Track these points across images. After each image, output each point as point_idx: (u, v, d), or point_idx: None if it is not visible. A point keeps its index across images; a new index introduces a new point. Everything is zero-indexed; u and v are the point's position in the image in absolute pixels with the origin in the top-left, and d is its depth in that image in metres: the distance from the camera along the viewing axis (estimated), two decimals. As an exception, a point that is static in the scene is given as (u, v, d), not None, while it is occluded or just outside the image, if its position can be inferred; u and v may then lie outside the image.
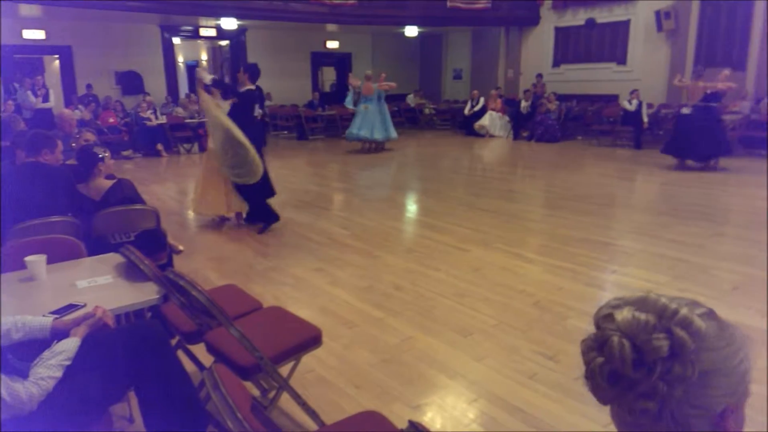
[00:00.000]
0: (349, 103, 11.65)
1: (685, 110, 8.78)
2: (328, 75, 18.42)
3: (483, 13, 14.46)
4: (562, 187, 7.89)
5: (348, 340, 3.24)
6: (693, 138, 8.52)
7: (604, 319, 0.74)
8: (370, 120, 11.07)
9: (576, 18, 14.27)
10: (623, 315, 0.71)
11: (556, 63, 14.88)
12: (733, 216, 6.29)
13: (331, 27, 15.56)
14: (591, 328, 2.62)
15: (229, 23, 12.79)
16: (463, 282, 4.15)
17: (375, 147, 11.49)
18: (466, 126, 14.29)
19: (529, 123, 13.14)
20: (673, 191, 7.51)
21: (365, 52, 17.56)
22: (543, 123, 12.64)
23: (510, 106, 14.15)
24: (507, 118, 13.91)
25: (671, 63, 12.37)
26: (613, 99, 12.81)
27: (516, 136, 13.39)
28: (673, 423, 0.70)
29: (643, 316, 0.70)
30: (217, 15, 12.39)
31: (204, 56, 18.75)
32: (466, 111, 14.45)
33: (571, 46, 14.53)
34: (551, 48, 14.95)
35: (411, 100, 16.66)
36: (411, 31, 15.64)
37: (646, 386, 0.68)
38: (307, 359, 2.65)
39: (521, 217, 6.17)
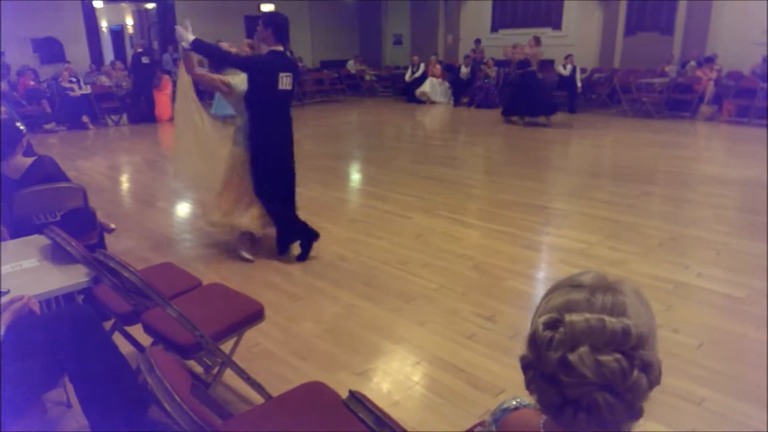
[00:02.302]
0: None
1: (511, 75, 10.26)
2: (265, 41, 17.83)
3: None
4: (499, 152, 8.06)
5: (293, 313, 3.24)
6: (521, 98, 9.91)
7: (560, 362, 0.72)
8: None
9: (513, -18, 14.36)
10: (587, 364, 0.70)
11: (494, 28, 14.98)
12: (659, 176, 6.63)
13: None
14: (526, 289, 2.74)
15: (156, -14, 12.08)
16: (406, 249, 4.22)
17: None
18: (408, 92, 14.25)
19: (469, 89, 13.25)
20: (605, 154, 7.82)
21: (302, 17, 17.04)
22: (483, 89, 12.78)
23: (450, 72, 14.19)
24: (447, 84, 13.96)
25: (604, 28, 12.71)
26: (548, 64, 13.08)
27: (456, 102, 13.50)
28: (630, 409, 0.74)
29: (608, 360, 0.69)
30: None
31: (129, 21, 17.72)
32: (407, 77, 14.39)
33: (509, 12, 14.65)
34: (489, 13, 15.02)
35: (351, 66, 16.41)
36: (350, -6, 15.29)
37: (626, 403, 0.72)
38: (252, 333, 2.64)
39: (462, 183, 6.27)
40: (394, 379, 2.61)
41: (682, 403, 2.36)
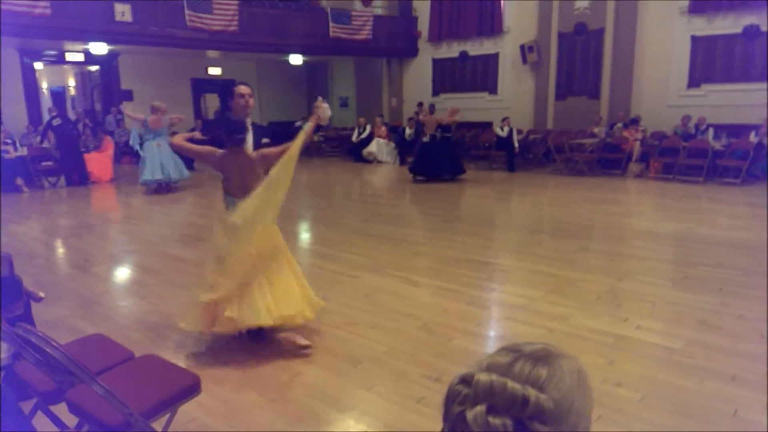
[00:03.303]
0: (134, 142, 10.13)
1: (425, 139, 10.80)
2: (212, 102, 17.89)
3: (364, 44, 14.90)
4: (444, 209, 8.24)
5: (235, 383, 3.09)
6: (435, 160, 10.54)
7: (456, 418, 0.71)
8: (164, 157, 9.78)
9: (450, 50, 15.18)
10: (478, 422, 0.68)
11: (436, 92, 15.66)
12: (595, 231, 6.92)
13: (212, 53, 15.18)
14: (473, 347, 2.74)
15: (99, 48, 12.03)
16: (354, 310, 4.16)
17: (167, 187, 10.12)
18: (355, 152, 14.53)
19: (413, 149, 13.63)
20: (544, 210, 8.13)
21: (250, 78, 17.24)
22: (426, 149, 13.17)
23: (395, 132, 14.62)
24: (393, 145, 14.35)
25: (536, 92, 13.51)
26: (487, 126, 13.69)
27: (402, 162, 13.82)
28: None
29: (496, 422, 0.67)
30: (85, 39, 11.61)
31: (72, 82, 17.44)
32: (354, 138, 14.70)
33: (448, 77, 15.40)
34: (430, 78, 15.74)
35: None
36: (295, 59, 15.71)
37: None
38: (189, 408, 2.49)
39: (409, 241, 6.33)
40: (340, 449, 2.51)
41: (628, 459, 2.37)
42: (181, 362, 3.23)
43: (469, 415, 0.69)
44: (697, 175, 9.87)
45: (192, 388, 2.22)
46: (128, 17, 11.41)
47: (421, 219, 7.97)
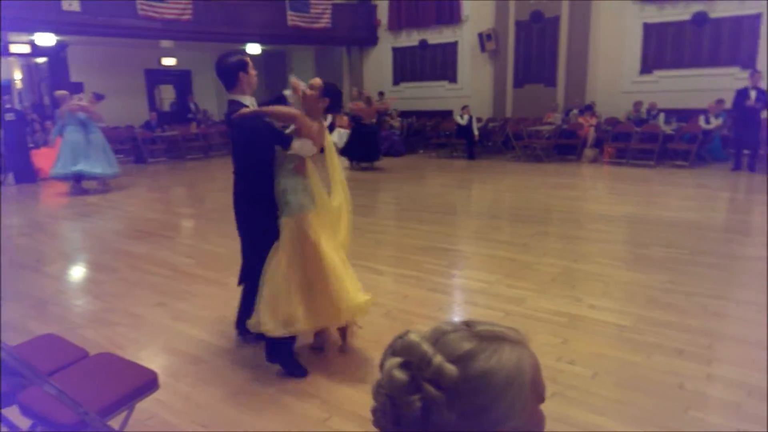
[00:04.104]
0: (56, 134, 9.41)
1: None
2: (167, 93, 17.45)
3: (323, 33, 14.76)
4: (407, 198, 8.30)
5: (194, 378, 3.07)
6: (361, 146, 11.07)
7: (380, 366, 0.74)
8: (93, 149, 9.05)
9: (410, 39, 15.19)
10: (386, 370, 0.72)
11: (396, 81, 15.68)
12: (551, 216, 7.09)
13: (165, 43, 14.77)
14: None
15: (46, 39, 11.55)
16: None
17: (104, 185, 9.54)
18: (316, 143, 14.41)
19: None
20: (503, 197, 8.28)
21: (206, 68, 16.89)
22: (388, 138, 13.19)
23: (356, 122, 14.55)
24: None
25: (495, 81, 13.68)
26: (447, 114, 13.80)
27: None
28: None
29: (399, 375, 0.70)
30: (30, 30, 11.12)
31: (18, 75, 16.69)
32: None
33: (408, 66, 15.43)
34: (390, 67, 15.73)
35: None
36: (253, 48, 15.41)
37: None
38: (148, 405, 2.47)
39: (371, 231, 6.35)
40: (303, 438, 2.53)
41: (580, 433, 2.47)
42: (138, 359, 3.18)
43: (385, 364, 0.73)
44: (649, 158, 10.21)
45: (149, 385, 2.19)
46: (76, 7, 10.98)
47: (382, 208, 8.00)
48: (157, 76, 16.37)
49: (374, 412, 0.74)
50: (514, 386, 0.71)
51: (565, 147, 11.42)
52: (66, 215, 7.94)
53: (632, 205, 7.21)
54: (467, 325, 0.76)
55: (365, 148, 11.06)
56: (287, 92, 3.19)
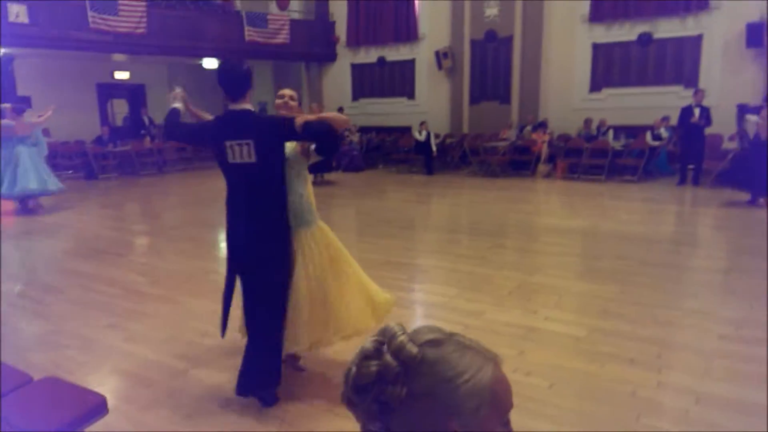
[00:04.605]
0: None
1: None
2: (120, 108, 17.00)
3: (281, 49, 14.74)
4: (368, 213, 8.31)
5: (146, 401, 2.96)
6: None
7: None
8: (36, 166, 8.54)
9: (368, 56, 15.35)
10: (361, 345, 0.78)
11: (355, 97, 15.78)
12: (507, 229, 7.24)
13: (118, 57, 14.43)
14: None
15: (-10, 51, 11.10)
16: (274, 318, 4.10)
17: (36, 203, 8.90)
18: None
19: (335, 154, 13.64)
20: (461, 211, 8.40)
21: (161, 83, 16.60)
22: (348, 154, 13.22)
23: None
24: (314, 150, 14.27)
25: (451, 97, 13.94)
26: (406, 130, 13.96)
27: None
28: None
29: (367, 345, 0.76)
30: (-28, 41, 10.66)
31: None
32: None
33: (367, 82, 15.57)
34: (349, 83, 15.82)
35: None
36: (209, 63, 15.24)
37: (364, 408, 0.75)
38: (98, 429, 2.36)
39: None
40: (260, 459, 2.47)
41: (538, 444, 2.51)
42: (87, 383, 3.05)
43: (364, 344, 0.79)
44: (599, 173, 10.58)
45: (97, 409, 2.10)
46: (24, 18, 10.62)
47: (343, 223, 7.99)
48: (109, 90, 15.94)
49: (343, 393, 0.78)
50: (468, 385, 0.74)
51: (519, 162, 11.70)
52: (12, 235, 7.58)
53: (584, 218, 7.44)
54: (451, 333, 0.80)
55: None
56: (178, 105, 3.04)
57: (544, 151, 11.37)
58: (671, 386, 3.03)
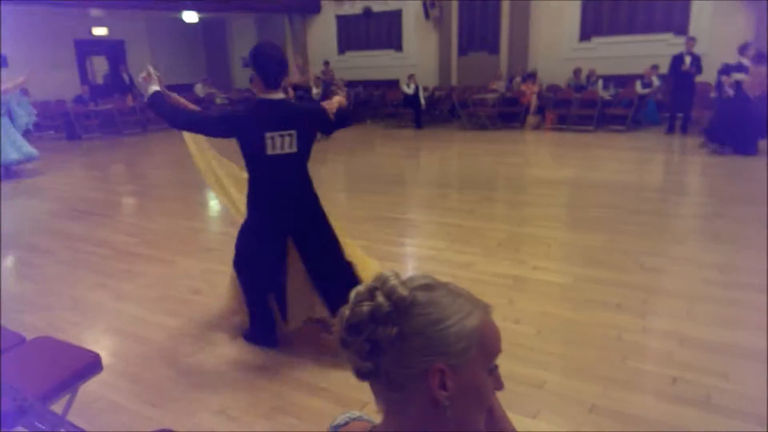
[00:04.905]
0: None
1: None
2: (100, 65, 16.51)
3: (263, 1, 14.27)
4: (356, 169, 8.27)
5: (142, 358, 3.00)
6: None
7: None
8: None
9: (354, 7, 14.90)
10: (357, 288, 0.80)
11: (341, 50, 15.40)
12: (496, 182, 7.25)
13: (96, 11, 13.91)
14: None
15: (-42, 7, 10.64)
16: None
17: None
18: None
19: (321, 109, 13.44)
20: (450, 165, 8.38)
21: (140, 39, 16.09)
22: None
23: (304, 92, 14.28)
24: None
25: (440, 49, 13.66)
26: (394, 84, 13.73)
27: (310, 123, 13.61)
28: (389, 382, 0.77)
29: (361, 288, 0.79)
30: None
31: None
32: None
33: (353, 34, 15.17)
34: (335, 36, 15.41)
35: (199, 89, 15.80)
36: (189, 16, 14.73)
37: (356, 347, 0.77)
38: (93, 387, 2.40)
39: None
40: (256, 412, 2.53)
41: (526, 388, 2.58)
42: (81, 342, 3.08)
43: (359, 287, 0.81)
44: (589, 124, 10.54)
45: (92, 367, 2.13)
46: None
47: (331, 180, 7.94)
48: (88, 47, 15.42)
49: (338, 334, 0.80)
50: (457, 327, 0.76)
51: (509, 114, 11.61)
52: (-6, 197, 7.48)
53: (573, 169, 7.45)
54: (443, 282, 0.82)
55: None
56: (158, 88, 2.83)
57: (534, 102, 11.27)
58: (656, 330, 3.12)
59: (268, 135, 2.64)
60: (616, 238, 4.54)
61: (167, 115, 2.78)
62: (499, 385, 0.82)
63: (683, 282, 3.71)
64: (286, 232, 2.89)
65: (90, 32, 15.15)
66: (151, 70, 2.82)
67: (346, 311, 0.79)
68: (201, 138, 3.18)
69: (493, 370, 0.81)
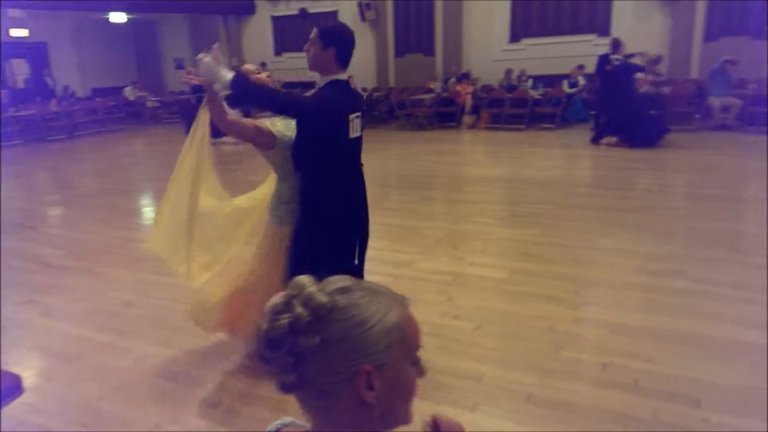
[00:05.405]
0: None
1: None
2: (20, 68, 15.54)
3: (196, 1, 13.89)
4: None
5: (71, 377, 2.85)
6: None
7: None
8: None
9: (289, 8, 14.76)
10: (273, 300, 0.78)
11: (278, 51, 15.22)
12: (435, 181, 7.38)
13: (15, 12, 13.10)
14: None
15: None
16: (202, 283, 4.02)
17: None
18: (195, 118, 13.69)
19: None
20: (390, 165, 8.45)
21: (65, 40, 15.28)
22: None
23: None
24: (237, 108, 13.77)
25: (377, 50, 13.74)
26: (333, 84, 13.65)
27: (248, 126, 13.37)
28: (315, 391, 0.76)
29: (277, 300, 0.77)
30: None
31: None
32: (194, 102, 13.82)
33: (289, 35, 15.01)
34: (271, 36, 15.21)
35: (129, 93, 15.22)
36: (117, 17, 14.16)
37: (279, 362, 0.75)
38: (16, 411, 2.28)
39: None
40: (193, 424, 2.47)
41: (465, 382, 2.64)
42: (5, 364, 2.90)
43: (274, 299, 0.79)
44: (520, 122, 10.88)
45: (11, 390, 2.02)
46: None
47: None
48: (6, 50, 14.48)
49: (256, 349, 0.77)
50: (378, 328, 0.77)
51: (445, 114, 11.82)
52: None
53: (507, 166, 7.68)
54: (359, 281, 0.82)
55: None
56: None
57: (468, 102, 11.52)
58: (587, 319, 3.27)
59: (351, 117, 2.48)
60: (548, 232, 4.73)
61: (261, 98, 2.44)
62: (421, 373, 0.83)
63: (611, 272, 3.90)
64: (357, 230, 2.66)
65: (8, 34, 14.25)
66: (217, 49, 2.40)
67: (263, 325, 0.76)
68: (206, 140, 2.70)
69: (416, 362, 0.82)
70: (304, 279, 0.80)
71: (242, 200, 3.09)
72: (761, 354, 2.74)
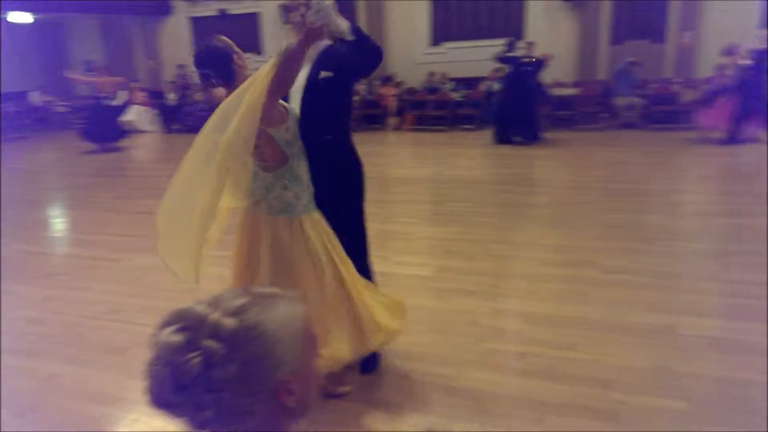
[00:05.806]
0: None
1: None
2: None
3: (108, 2, 13.21)
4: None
5: (-31, 403, 2.65)
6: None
7: (153, 338, 0.74)
8: None
9: (209, 8, 14.34)
10: (161, 340, 0.72)
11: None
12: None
13: None
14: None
15: None
16: (119, 296, 3.85)
17: None
18: (110, 124, 13.01)
19: (178, 114, 12.78)
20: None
21: (-44, 42, 14.06)
22: (192, 114, 12.43)
23: (157, 98, 13.47)
24: (155, 111, 13.23)
25: (300, 52, 13.62)
26: (256, 87, 13.41)
27: (169, 130, 12.87)
28: (236, 414, 0.74)
29: (175, 338, 0.71)
30: None
31: None
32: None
33: (208, 37, 14.58)
34: (189, 38, 14.72)
35: (36, 98, 14.25)
36: (17, 17, 13.19)
37: (192, 403, 0.71)
38: None
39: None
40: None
41: (391, 379, 2.69)
42: None
43: (159, 337, 0.73)
44: (443, 124, 11.16)
45: None
46: None
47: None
48: None
49: (149, 389, 0.73)
50: (288, 335, 0.77)
51: (371, 116, 11.92)
52: None
53: (431, 167, 7.86)
54: (244, 289, 0.80)
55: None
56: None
57: (393, 104, 11.68)
58: (505, 311, 3.41)
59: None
60: (469, 229, 4.89)
61: (375, 49, 2.37)
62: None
63: (525, 265, 4.09)
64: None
65: None
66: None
67: (161, 372, 0.70)
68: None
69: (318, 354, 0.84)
70: (195, 307, 0.75)
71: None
72: (673, 337, 2.95)
